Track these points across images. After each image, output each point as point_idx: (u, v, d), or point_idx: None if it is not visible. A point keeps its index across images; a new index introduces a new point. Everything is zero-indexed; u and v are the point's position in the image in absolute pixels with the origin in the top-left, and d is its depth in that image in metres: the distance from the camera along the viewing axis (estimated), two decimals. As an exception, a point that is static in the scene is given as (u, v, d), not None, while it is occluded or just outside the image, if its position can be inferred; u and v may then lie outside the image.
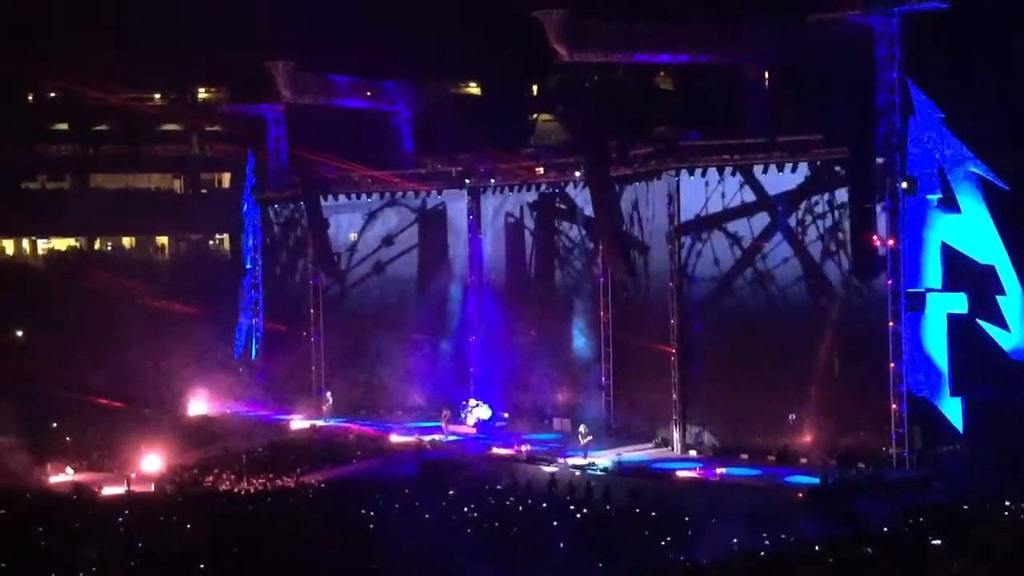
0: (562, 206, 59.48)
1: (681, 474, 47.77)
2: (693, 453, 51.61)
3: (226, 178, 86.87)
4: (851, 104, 47.26)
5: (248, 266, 70.44)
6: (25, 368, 64.59)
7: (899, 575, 32.83)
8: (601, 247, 55.88)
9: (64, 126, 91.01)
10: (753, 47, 55.63)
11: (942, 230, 47.98)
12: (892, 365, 46.57)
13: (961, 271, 48.07)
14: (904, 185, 46.51)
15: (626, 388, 55.90)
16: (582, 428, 51.91)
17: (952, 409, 47.04)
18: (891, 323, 46.65)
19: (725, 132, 52.95)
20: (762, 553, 35.55)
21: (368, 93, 67.67)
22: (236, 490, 49.07)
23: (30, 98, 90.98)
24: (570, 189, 58.55)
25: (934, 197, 47.76)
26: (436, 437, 56.68)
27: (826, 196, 49.40)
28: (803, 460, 48.32)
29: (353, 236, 66.14)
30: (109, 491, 49.04)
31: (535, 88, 78.71)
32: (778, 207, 50.55)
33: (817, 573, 33.20)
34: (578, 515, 41.93)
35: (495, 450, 53.50)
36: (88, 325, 68.70)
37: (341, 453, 55.08)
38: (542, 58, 54.86)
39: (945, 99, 47.53)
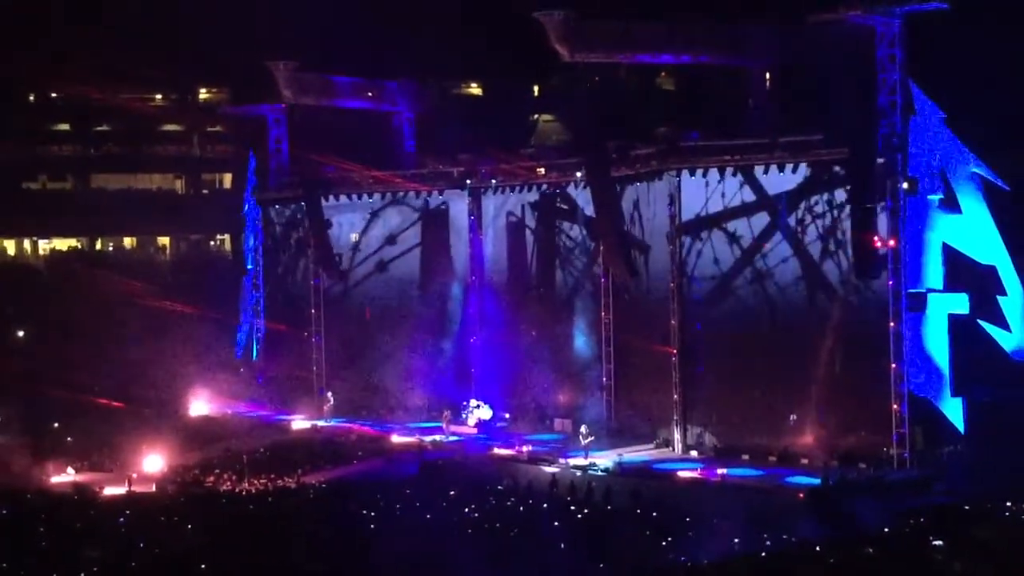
0: (563, 206, 59.45)
1: (682, 475, 47.77)
2: (694, 453, 51.61)
3: (227, 178, 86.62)
4: (852, 104, 47.10)
5: (249, 266, 70.46)
6: (26, 368, 64.55)
7: (900, 576, 32.93)
8: (602, 247, 55.84)
9: (65, 126, 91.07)
10: (754, 47, 55.58)
11: (943, 230, 47.98)
12: (893, 365, 46.55)
13: (962, 271, 48.08)
14: (905, 185, 46.49)
15: (627, 388, 55.88)
16: (583, 428, 51.91)
17: (953, 409, 47.01)
18: (892, 323, 46.64)
19: (726, 132, 52.90)
20: (763, 553, 35.59)
21: (369, 93, 67.63)
22: (237, 490, 49.13)
23: (31, 98, 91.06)
24: (571, 189, 58.49)
25: (935, 197, 47.77)
26: (437, 437, 56.67)
27: (826, 196, 49.40)
28: (804, 461, 48.22)
29: (354, 236, 66.17)
30: (110, 491, 49.08)
31: (536, 88, 78.60)
32: (778, 207, 50.59)
33: (818, 574, 33.23)
34: (579, 515, 41.97)
35: (496, 450, 53.49)
36: (89, 325, 68.62)
37: (342, 453, 55.10)
38: (543, 58, 54.80)
39: (946, 99, 47.56)
